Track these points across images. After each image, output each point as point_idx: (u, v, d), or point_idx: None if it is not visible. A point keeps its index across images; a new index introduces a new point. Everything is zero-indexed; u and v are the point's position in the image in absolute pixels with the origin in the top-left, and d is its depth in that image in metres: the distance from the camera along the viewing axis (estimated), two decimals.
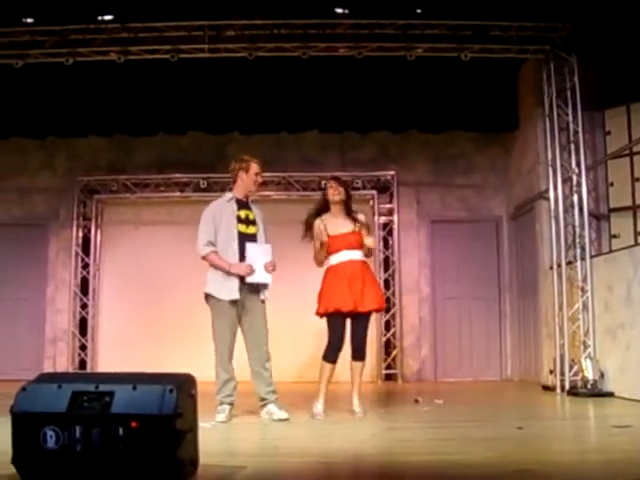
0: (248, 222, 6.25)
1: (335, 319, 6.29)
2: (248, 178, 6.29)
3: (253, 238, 6.23)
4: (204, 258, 6.15)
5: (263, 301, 6.26)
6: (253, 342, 6.20)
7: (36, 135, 10.87)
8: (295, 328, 10.83)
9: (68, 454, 3.22)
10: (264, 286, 6.23)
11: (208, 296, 6.17)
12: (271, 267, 6.20)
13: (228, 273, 6.04)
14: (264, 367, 6.23)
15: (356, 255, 6.37)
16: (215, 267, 6.11)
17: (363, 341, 6.41)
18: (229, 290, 6.05)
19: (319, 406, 6.28)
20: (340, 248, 6.33)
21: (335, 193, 6.49)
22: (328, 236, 6.32)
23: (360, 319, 6.36)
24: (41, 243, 11.35)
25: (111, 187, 11.09)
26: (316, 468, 3.90)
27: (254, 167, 6.31)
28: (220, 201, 6.39)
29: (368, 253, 6.53)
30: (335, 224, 6.44)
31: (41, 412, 3.25)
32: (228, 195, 6.41)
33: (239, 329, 6.23)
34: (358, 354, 6.40)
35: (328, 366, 6.28)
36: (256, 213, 6.37)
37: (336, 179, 6.66)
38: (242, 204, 6.31)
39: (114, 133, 10.83)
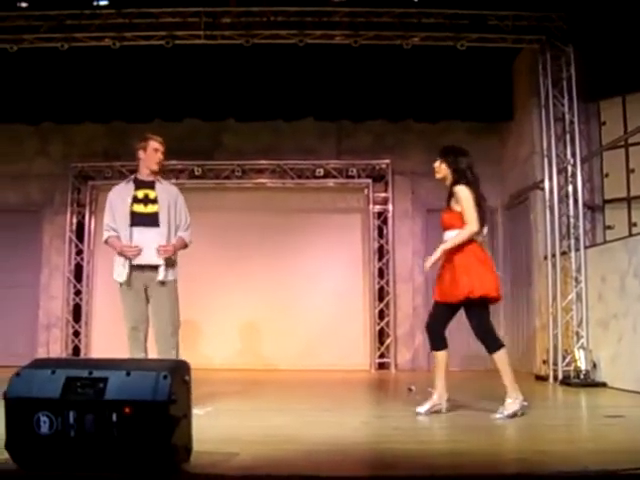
0: (147, 201, 5.95)
1: None
2: (147, 156, 6.04)
3: (153, 217, 5.92)
4: (105, 242, 6.01)
5: (163, 283, 5.87)
6: (157, 330, 5.94)
7: (31, 121, 10.82)
8: (288, 314, 10.89)
9: (62, 439, 3.21)
10: (163, 266, 5.88)
11: (115, 280, 5.97)
12: (162, 250, 5.84)
13: (119, 255, 5.88)
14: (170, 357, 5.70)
15: (445, 237, 5.71)
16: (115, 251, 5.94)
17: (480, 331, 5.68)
18: (121, 272, 5.85)
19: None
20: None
21: (435, 172, 5.87)
22: None
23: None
24: (35, 229, 11.32)
25: (106, 173, 11.05)
26: (308, 455, 3.90)
27: (152, 144, 6.05)
28: (120, 184, 6.20)
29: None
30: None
31: (35, 397, 3.25)
32: (129, 177, 6.24)
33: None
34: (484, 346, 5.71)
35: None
36: (162, 192, 6.03)
37: (439, 153, 5.87)
38: (143, 184, 6.03)
39: (110, 120, 10.78)
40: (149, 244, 5.83)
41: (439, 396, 5.68)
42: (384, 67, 9.98)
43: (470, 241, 5.58)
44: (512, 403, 5.46)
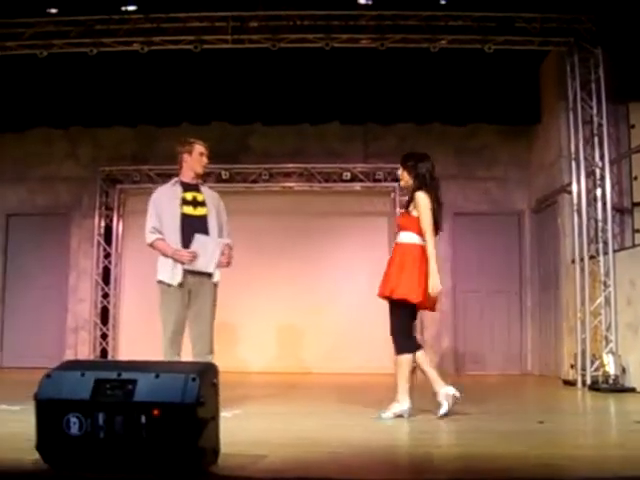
0: (196, 204, 5.95)
1: None
2: (192, 160, 6.01)
3: (203, 219, 5.93)
4: (150, 245, 5.96)
5: (216, 284, 5.92)
6: (197, 333, 5.90)
7: (61, 125, 10.98)
8: (315, 317, 10.90)
9: (91, 441, 3.23)
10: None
11: (159, 282, 5.97)
12: (225, 262, 5.93)
13: (166, 257, 5.85)
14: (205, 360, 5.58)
15: (398, 238, 5.91)
16: (161, 253, 5.91)
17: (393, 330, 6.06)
18: (174, 274, 5.83)
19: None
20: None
21: (400, 180, 6.19)
22: None
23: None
24: (64, 232, 11.45)
25: (134, 177, 11.15)
26: (335, 458, 3.90)
27: (198, 148, 6.03)
28: (165, 186, 6.17)
29: None
30: None
31: (65, 399, 3.27)
32: (173, 180, 6.15)
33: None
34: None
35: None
36: (208, 196, 6.05)
37: (400, 161, 6.03)
38: (189, 187, 6.01)
39: (138, 123, 10.91)
40: (204, 252, 5.81)
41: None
42: (411, 70, 10.00)
43: (416, 245, 5.71)
44: (398, 405, 5.69)
